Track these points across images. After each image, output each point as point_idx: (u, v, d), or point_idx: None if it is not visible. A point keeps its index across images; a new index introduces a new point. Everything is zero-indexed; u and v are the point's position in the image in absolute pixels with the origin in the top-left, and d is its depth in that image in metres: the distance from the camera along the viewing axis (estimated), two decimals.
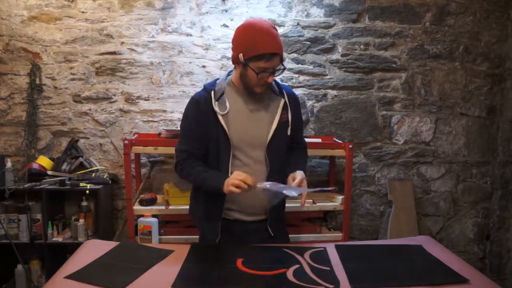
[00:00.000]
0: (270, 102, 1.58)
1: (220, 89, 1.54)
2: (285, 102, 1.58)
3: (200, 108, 1.52)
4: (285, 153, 1.62)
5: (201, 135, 1.53)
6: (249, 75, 1.46)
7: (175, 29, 2.49)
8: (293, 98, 1.64)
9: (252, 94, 1.53)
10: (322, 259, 1.38)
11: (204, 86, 1.58)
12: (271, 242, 1.58)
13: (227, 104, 1.52)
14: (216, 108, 1.51)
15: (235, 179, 1.38)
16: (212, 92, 1.53)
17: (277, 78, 1.59)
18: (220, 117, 1.50)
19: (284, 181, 1.49)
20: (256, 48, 1.40)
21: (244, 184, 1.37)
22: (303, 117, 2.05)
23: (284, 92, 1.61)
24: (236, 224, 1.59)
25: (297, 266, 1.31)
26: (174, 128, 2.44)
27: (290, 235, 1.76)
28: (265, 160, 1.55)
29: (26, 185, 2.25)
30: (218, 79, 1.59)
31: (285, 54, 2.54)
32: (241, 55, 1.43)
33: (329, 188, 1.84)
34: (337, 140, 2.48)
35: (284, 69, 1.53)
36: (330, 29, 2.56)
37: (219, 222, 1.57)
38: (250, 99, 1.55)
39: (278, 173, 1.54)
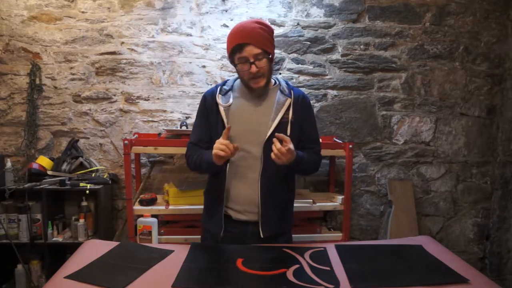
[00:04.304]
0: (276, 102, 1.59)
1: (228, 86, 1.63)
2: (291, 103, 1.59)
3: (206, 102, 1.62)
4: None
5: (207, 128, 1.61)
6: (239, 72, 1.54)
7: (175, 29, 2.49)
8: (301, 99, 1.63)
9: (254, 92, 1.57)
10: (322, 259, 1.38)
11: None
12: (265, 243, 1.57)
13: (231, 99, 1.60)
14: (219, 100, 1.59)
15: (219, 143, 1.44)
16: (219, 87, 1.63)
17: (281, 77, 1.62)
18: (221, 108, 1.57)
19: (276, 179, 1.57)
20: (228, 44, 1.51)
21: (227, 148, 1.41)
22: None
23: (293, 93, 1.62)
24: (235, 222, 1.61)
25: (297, 266, 1.31)
26: (174, 128, 2.44)
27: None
28: (261, 157, 1.56)
29: (26, 185, 2.25)
30: (235, 78, 1.67)
31: (285, 54, 2.54)
32: (227, 57, 1.54)
33: None
34: (337, 140, 2.48)
35: (270, 55, 1.52)
36: (330, 29, 2.56)
37: (221, 215, 1.59)
38: (255, 97, 1.59)
39: (272, 170, 1.55)
